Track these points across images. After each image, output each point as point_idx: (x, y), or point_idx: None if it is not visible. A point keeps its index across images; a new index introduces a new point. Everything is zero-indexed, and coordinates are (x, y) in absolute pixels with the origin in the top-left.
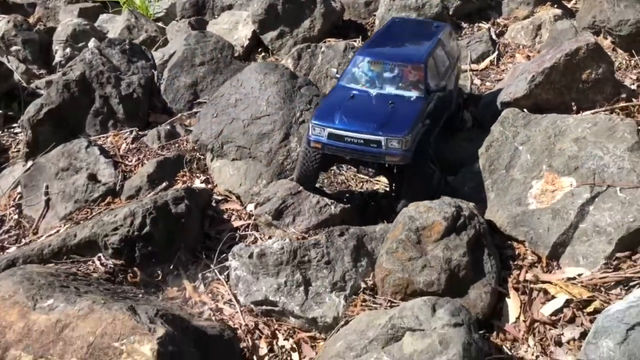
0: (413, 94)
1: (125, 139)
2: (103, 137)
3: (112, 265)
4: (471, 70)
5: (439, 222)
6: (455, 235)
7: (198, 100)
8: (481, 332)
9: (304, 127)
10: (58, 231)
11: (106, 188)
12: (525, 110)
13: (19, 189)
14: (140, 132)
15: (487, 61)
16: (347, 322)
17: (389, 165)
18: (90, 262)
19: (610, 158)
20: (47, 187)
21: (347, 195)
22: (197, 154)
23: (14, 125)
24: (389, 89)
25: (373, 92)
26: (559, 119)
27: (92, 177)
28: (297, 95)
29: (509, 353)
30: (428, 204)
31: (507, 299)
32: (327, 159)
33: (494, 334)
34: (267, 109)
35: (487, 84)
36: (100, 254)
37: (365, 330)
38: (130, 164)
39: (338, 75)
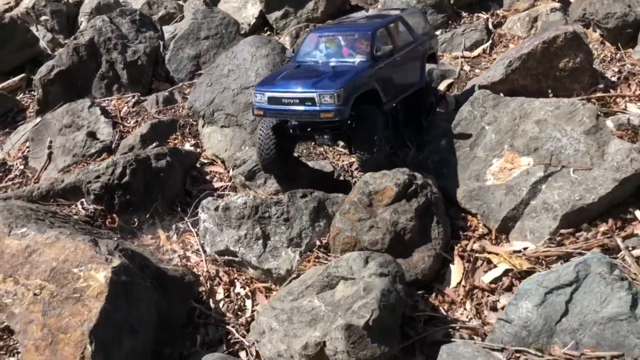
0: (357, 59)
1: (127, 102)
2: (107, 99)
3: (92, 210)
4: (463, 57)
5: (391, 187)
6: (405, 201)
7: (199, 72)
8: (420, 292)
9: None
10: None
11: (103, 145)
12: (501, 94)
13: (27, 144)
14: (142, 97)
15: (480, 49)
16: (298, 275)
17: (330, 124)
18: (73, 206)
19: (567, 140)
20: (50, 141)
21: (323, 165)
22: (191, 120)
23: (34, 89)
24: (336, 58)
25: (319, 62)
26: (526, 102)
27: (91, 135)
28: None
29: (444, 313)
30: (384, 171)
31: (451, 265)
32: (284, 137)
33: (433, 295)
34: (256, 80)
35: (477, 70)
36: (83, 199)
37: (307, 280)
38: (128, 125)
39: (293, 54)
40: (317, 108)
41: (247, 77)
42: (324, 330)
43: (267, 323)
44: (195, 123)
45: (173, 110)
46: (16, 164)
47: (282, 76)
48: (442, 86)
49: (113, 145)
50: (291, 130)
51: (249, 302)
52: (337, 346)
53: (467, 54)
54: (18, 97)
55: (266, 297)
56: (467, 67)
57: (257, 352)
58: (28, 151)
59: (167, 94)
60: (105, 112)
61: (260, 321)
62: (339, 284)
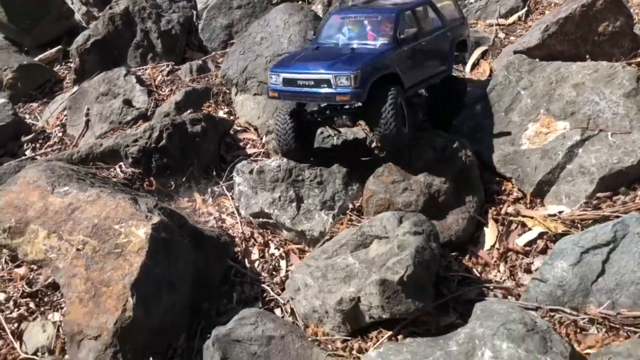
0: (378, 42)
1: (161, 71)
2: (142, 68)
3: (130, 173)
4: (497, 24)
5: (426, 150)
6: (440, 164)
7: (232, 41)
8: (453, 254)
9: None
10: None
11: (139, 112)
12: (537, 60)
13: (65, 112)
14: (176, 66)
15: (515, 16)
16: (331, 237)
17: (352, 108)
18: (112, 169)
19: (606, 104)
20: (88, 109)
21: (355, 132)
22: (224, 88)
23: (71, 60)
24: (358, 41)
25: (339, 44)
26: (563, 66)
27: (127, 102)
28: None
29: (478, 275)
30: (418, 134)
31: (485, 229)
32: (303, 123)
33: (467, 257)
34: (288, 47)
35: (512, 38)
36: (121, 163)
37: (341, 239)
38: (163, 93)
39: (314, 36)
40: (333, 90)
41: (279, 44)
42: (359, 286)
43: (301, 280)
44: (228, 91)
45: (206, 78)
46: (55, 132)
47: (298, 57)
48: (476, 54)
49: (148, 113)
50: (309, 115)
51: (283, 263)
52: (371, 301)
53: (501, 21)
54: (55, 69)
55: (300, 258)
56: (501, 35)
57: (291, 309)
58: (66, 119)
59: (200, 62)
60: (140, 81)
61: (295, 278)
62: (373, 243)
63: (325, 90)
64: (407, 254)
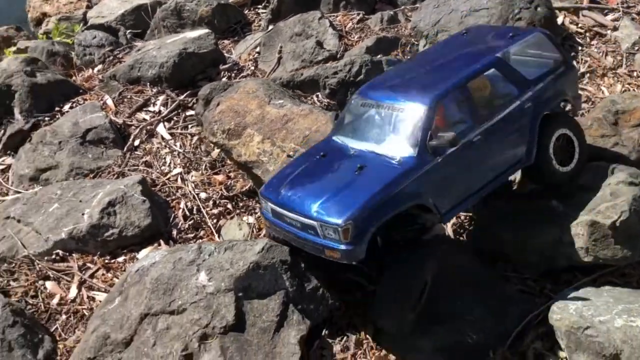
0: (399, 151)
1: (352, 19)
2: (334, 15)
3: (326, 103)
4: None
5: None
6: None
7: None
8: None
9: (519, 24)
10: None
11: (329, 54)
12: None
13: (257, 49)
14: (366, 16)
15: None
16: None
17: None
18: (309, 98)
19: None
20: (281, 47)
21: None
22: (412, 39)
23: (259, 6)
24: (373, 148)
25: (352, 149)
26: None
27: (319, 44)
28: None
29: None
30: (634, 92)
31: None
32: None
33: None
34: (487, 3)
35: None
36: (318, 93)
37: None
38: (352, 39)
39: (335, 121)
40: (321, 240)
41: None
42: (562, 227)
43: None
44: (416, 42)
45: (395, 29)
46: (247, 65)
47: (294, 176)
48: None
49: (338, 55)
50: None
51: None
52: (575, 242)
53: None
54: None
55: None
56: None
57: None
58: (258, 55)
59: (391, 13)
60: (332, 25)
61: None
62: (578, 191)
63: (312, 237)
64: (623, 200)
